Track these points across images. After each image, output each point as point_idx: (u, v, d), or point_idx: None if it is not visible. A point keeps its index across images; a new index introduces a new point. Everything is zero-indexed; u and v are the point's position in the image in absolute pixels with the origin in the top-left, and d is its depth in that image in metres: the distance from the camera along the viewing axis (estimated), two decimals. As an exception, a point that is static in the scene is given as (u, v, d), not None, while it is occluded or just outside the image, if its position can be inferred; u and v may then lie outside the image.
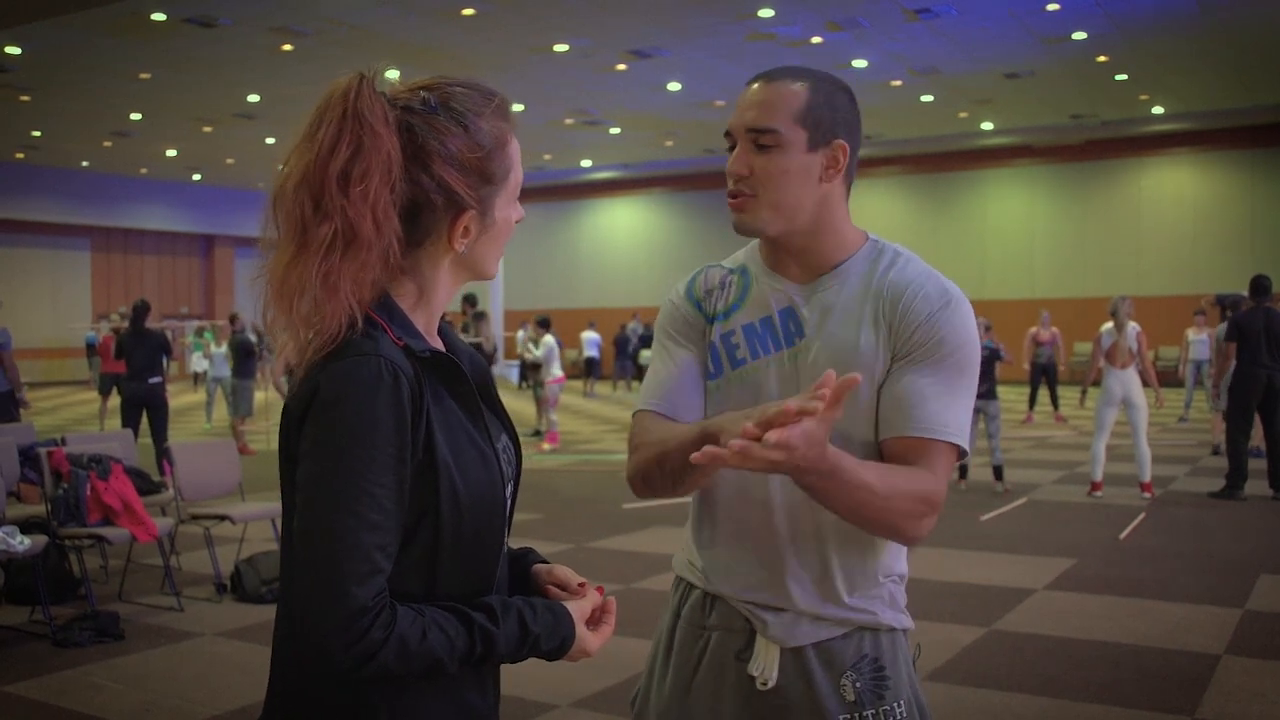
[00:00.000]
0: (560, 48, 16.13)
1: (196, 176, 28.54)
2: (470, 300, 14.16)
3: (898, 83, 18.73)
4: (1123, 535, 7.75)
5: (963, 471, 9.93)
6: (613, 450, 13.08)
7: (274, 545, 6.77)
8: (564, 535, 7.87)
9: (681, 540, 1.93)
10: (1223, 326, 10.84)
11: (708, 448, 1.36)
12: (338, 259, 1.28)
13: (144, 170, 27.49)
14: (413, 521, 1.30)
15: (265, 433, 14.66)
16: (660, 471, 1.69)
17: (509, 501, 1.44)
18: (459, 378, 1.37)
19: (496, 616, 1.32)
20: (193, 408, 19.75)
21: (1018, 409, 16.88)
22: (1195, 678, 4.66)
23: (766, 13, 14.46)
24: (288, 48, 15.65)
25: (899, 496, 1.57)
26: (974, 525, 8.19)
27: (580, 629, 1.41)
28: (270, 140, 21.86)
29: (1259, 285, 9.57)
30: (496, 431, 1.44)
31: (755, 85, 1.73)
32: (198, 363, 23.56)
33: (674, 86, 18.91)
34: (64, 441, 6.73)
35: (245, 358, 13.86)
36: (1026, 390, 16.57)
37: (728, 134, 1.74)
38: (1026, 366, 15.83)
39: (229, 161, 25.66)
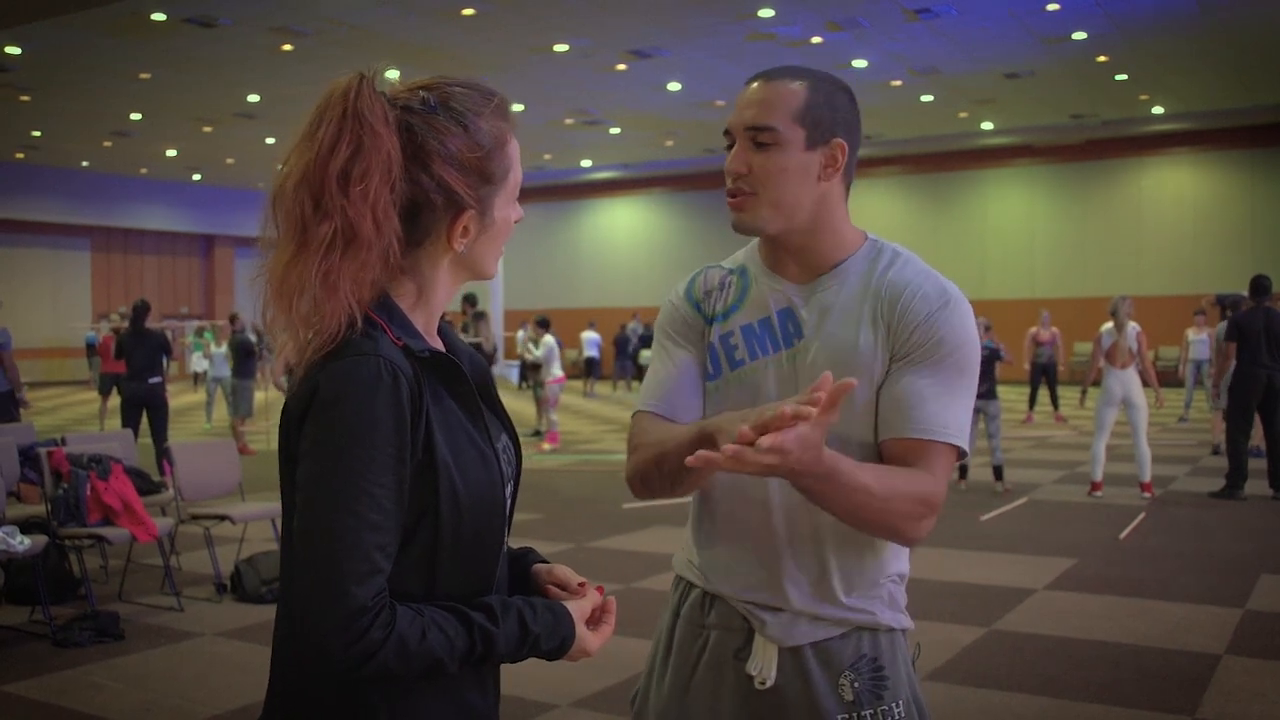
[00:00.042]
0: (560, 48, 16.13)
1: (196, 176, 28.55)
2: (470, 300, 14.16)
3: (898, 83, 18.73)
4: (1123, 535, 7.75)
5: (963, 471, 9.93)
6: (613, 450, 13.08)
7: (274, 545, 6.77)
8: (564, 535, 7.87)
9: (682, 540, 1.93)
10: (1223, 325, 10.84)
11: (701, 452, 1.36)
12: (337, 258, 1.28)
13: (144, 170, 27.50)
14: (412, 521, 1.30)
15: (265, 433, 14.66)
16: (659, 472, 1.69)
17: (509, 501, 1.44)
18: (459, 378, 1.37)
19: (496, 616, 1.32)
20: (193, 408, 19.75)
21: (1018, 409, 16.88)
22: (1195, 678, 4.66)
23: (766, 13, 14.47)
24: (288, 48, 15.65)
25: (897, 498, 1.57)
26: (974, 525, 8.19)
27: (580, 629, 1.41)
28: (270, 140, 21.86)
29: (1259, 285, 9.57)
30: (496, 431, 1.44)
31: (755, 84, 1.73)
32: (198, 363, 23.57)
33: (674, 86, 18.91)
34: (64, 441, 6.74)
35: (245, 358, 13.86)
36: (1026, 390, 16.57)
37: (727, 132, 1.74)
38: (1027, 366, 15.82)
39: (229, 161, 25.67)
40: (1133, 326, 9.18)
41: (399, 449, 1.27)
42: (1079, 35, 15.82)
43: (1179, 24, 15.32)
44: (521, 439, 1.54)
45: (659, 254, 29.32)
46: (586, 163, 28.28)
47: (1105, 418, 9.28)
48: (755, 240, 1.83)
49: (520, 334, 15.95)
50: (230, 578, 6.35)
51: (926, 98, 20.16)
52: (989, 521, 8.38)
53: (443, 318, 1.47)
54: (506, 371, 24.62)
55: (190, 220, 30.53)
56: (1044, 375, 15.81)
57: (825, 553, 1.72)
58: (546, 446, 13.30)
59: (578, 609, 1.42)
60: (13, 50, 15.38)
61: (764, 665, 1.73)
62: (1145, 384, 9.36)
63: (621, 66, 17.45)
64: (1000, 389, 9.97)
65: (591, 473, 11.43)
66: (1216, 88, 19.93)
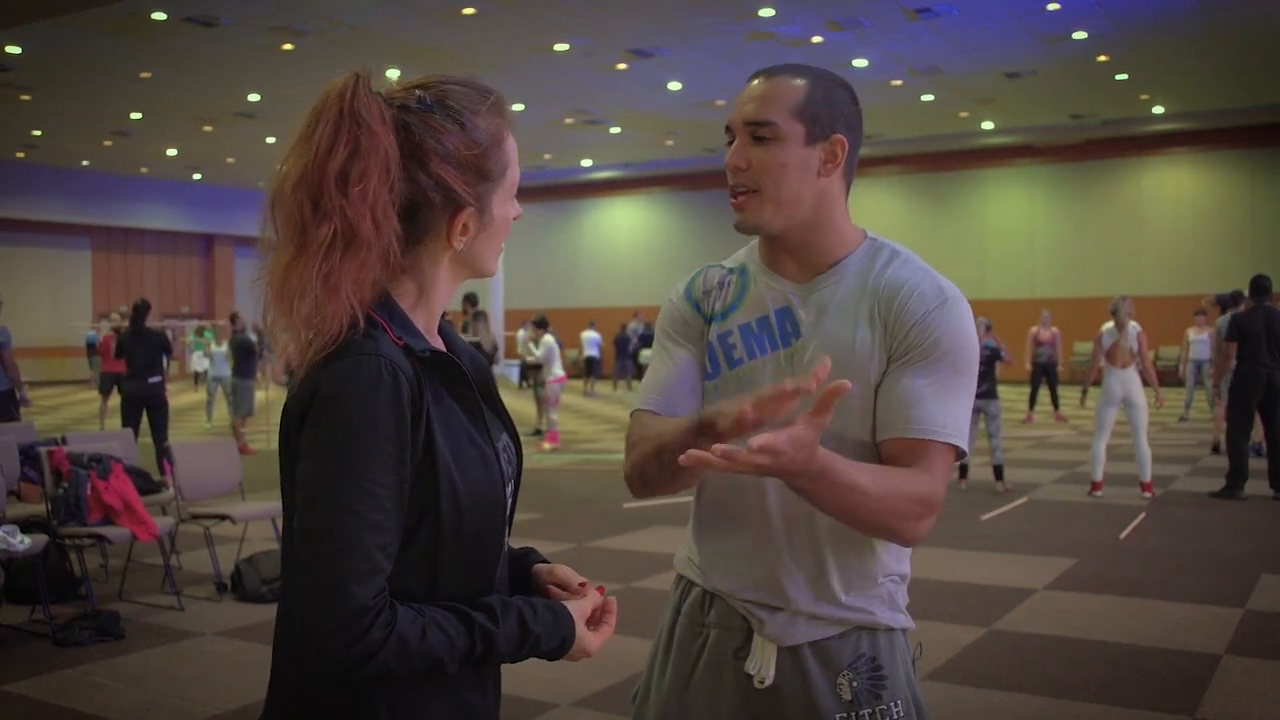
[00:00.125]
0: (560, 47, 16.13)
1: (197, 176, 28.56)
2: (471, 300, 14.16)
3: (898, 82, 18.73)
4: (1123, 535, 7.75)
5: (963, 471, 9.94)
6: (613, 450, 13.08)
7: (274, 545, 6.77)
8: (564, 535, 7.87)
9: (682, 539, 1.93)
10: (1223, 320, 10.85)
11: (692, 451, 1.36)
12: (338, 259, 1.28)
13: (144, 169, 27.50)
14: (413, 521, 1.30)
15: (265, 432, 14.66)
16: (658, 466, 1.68)
17: (510, 501, 1.44)
18: (459, 377, 1.37)
19: (497, 616, 1.32)
20: (193, 407, 19.75)
21: (1018, 409, 16.88)
22: (1196, 678, 4.66)
23: (767, 12, 14.47)
24: (288, 47, 15.65)
25: (894, 498, 1.57)
26: (974, 525, 8.19)
27: (581, 629, 1.41)
28: (271, 140, 21.86)
29: (1259, 285, 9.58)
30: (497, 431, 1.44)
31: (756, 81, 1.74)
32: (198, 362, 23.58)
33: (674, 86, 18.91)
34: (64, 441, 6.74)
35: (245, 357, 13.86)
36: (1027, 390, 16.58)
37: (728, 129, 1.75)
38: (1028, 366, 15.83)
39: (229, 161, 25.67)
40: (1133, 326, 9.18)
41: (400, 448, 1.27)
42: (1079, 35, 15.82)
43: (1179, 24, 15.31)
44: (522, 438, 1.54)
45: (659, 253, 29.32)
46: (587, 162, 28.28)
47: (1105, 417, 9.28)
48: (755, 240, 1.83)
49: (520, 334, 15.97)
50: (230, 577, 6.35)
51: (927, 97, 20.16)
52: (989, 521, 8.38)
53: (443, 317, 1.48)
54: (507, 371, 24.63)
55: (190, 220, 30.54)
56: (1044, 375, 15.81)
57: (823, 552, 1.72)
58: (547, 446, 13.30)
59: (578, 609, 1.42)
60: (13, 50, 15.38)
61: (763, 664, 1.73)
62: (1146, 384, 9.36)
63: (622, 66, 17.45)
64: (1000, 389, 9.97)
65: (592, 472, 11.43)
66: (1216, 88, 19.92)
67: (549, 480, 10.70)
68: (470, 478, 1.34)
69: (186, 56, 15.98)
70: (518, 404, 16.99)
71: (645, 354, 23.37)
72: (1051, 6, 14.41)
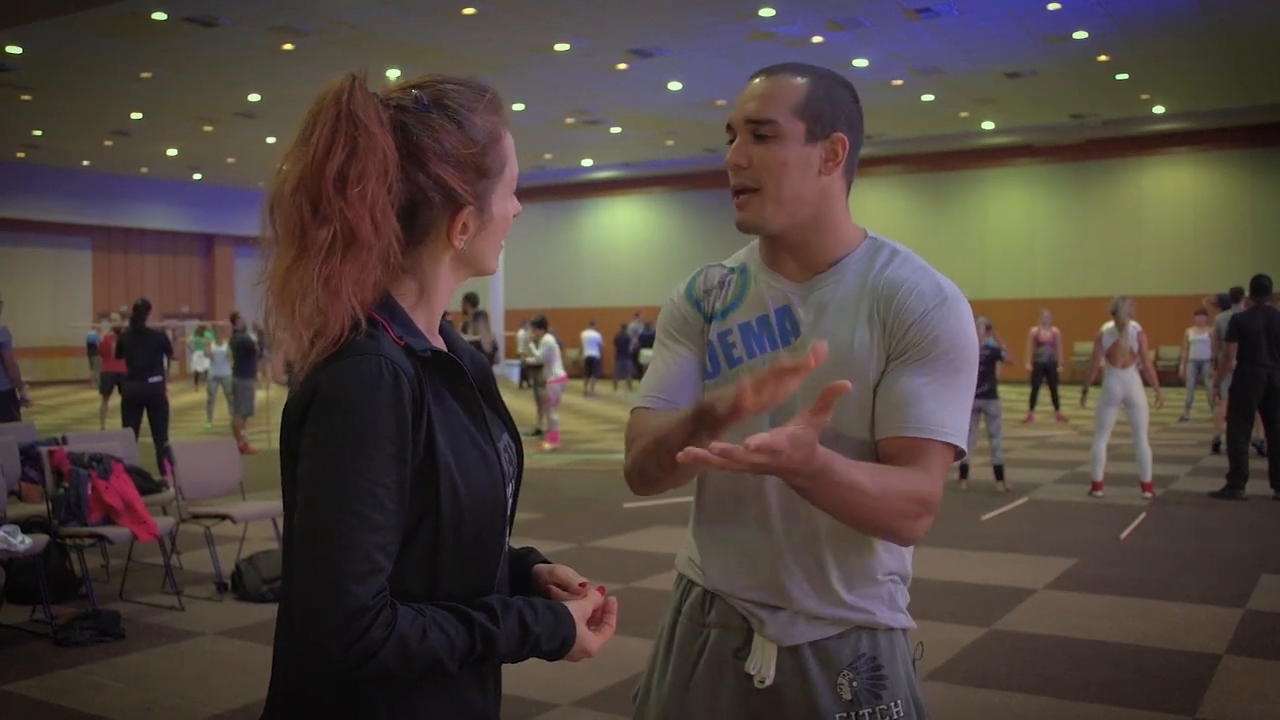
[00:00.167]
0: (561, 47, 16.13)
1: (197, 176, 28.55)
2: (471, 299, 14.17)
3: (899, 82, 18.73)
4: (1123, 535, 7.75)
5: (963, 471, 9.94)
6: (613, 450, 13.08)
7: (275, 544, 6.78)
8: (565, 535, 7.87)
9: (683, 539, 1.93)
10: (1223, 317, 10.86)
11: (690, 449, 1.36)
12: (338, 261, 1.28)
13: (145, 169, 27.50)
14: (414, 521, 1.30)
15: (266, 432, 14.66)
16: (657, 460, 1.68)
17: (510, 501, 1.44)
18: (460, 377, 1.37)
19: (497, 616, 1.32)
20: (193, 407, 19.75)
21: (1018, 408, 16.88)
22: (1196, 678, 4.66)
23: (767, 12, 14.46)
24: (288, 47, 15.65)
25: (892, 497, 1.57)
26: (974, 525, 8.19)
27: (581, 629, 1.41)
28: (271, 139, 21.86)
29: (1259, 285, 9.58)
30: (498, 431, 1.44)
31: (757, 79, 1.75)
32: (198, 362, 23.58)
33: (675, 86, 18.91)
34: (65, 440, 6.74)
35: (246, 356, 13.86)
36: (1027, 390, 16.58)
37: (729, 127, 1.75)
38: (1028, 366, 15.83)
39: (230, 161, 25.67)
40: (1134, 326, 9.18)
41: (400, 448, 1.27)
42: (1080, 35, 15.81)
43: (1180, 24, 15.31)
44: (522, 438, 1.55)
45: (659, 253, 29.32)
46: (587, 162, 28.28)
47: (1106, 417, 9.28)
48: (756, 239, 1.83)
49: (521, 334, 15.98)
50: (231, 577, 6.35)
51: (927, 97, 20.16)
52: (989, 521, 8.38)
53: (444, 316, 1.48)
54: (507, 371, 24.64)
55: (191, 219, 30.54)
56: (1045, 375, 15.81)
57: (823, 551, 1.72)
58: (547, 446, 13.30)
59: (579, 609, 1.42)
60: (13, 50, 15.38)
61: (763, 664, 1.73)
62: (1146, 384, 9.36)
63: (622, 66, 17.45)
64: (1001, 388, 9.98)
65: (592, 472, 11.43)
66: (1216, 88, 19.92)
67: (549, 480, 10.70)
68: (471, 478, 1.34)
69: (187, 56, 15.98)
70: (518, 404, 16.99)
71: (645, 354, 23.37)
72: (1052, 6, 14.41)
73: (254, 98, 18.89)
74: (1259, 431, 10.04)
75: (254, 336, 14.30)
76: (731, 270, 1.86)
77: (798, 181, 1.70)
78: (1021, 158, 24.89)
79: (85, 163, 26.36)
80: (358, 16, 14.30)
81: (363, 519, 1.24)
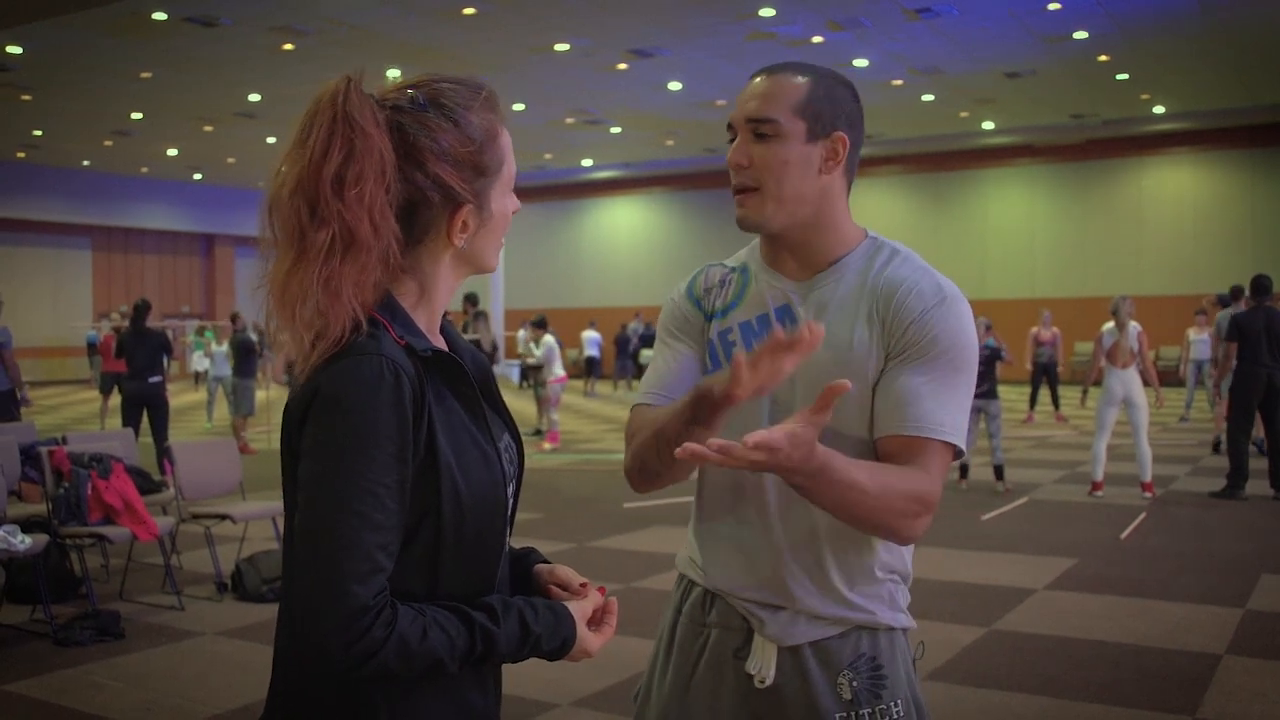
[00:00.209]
0: (561, 47, 16.13)
1: (197, 176, 28.56)
2: (472, 299, 14.17)
3: (899, 82, 18.74)
4: (1123, 535, 7.75)
5: (963, 471, 9.94)
6: (613, 450, 13.08)
7: (275, 544, 6.78)
8: (565, 535, 7.87)
9: (683, 539, 1.93)
10: (1223, 316, 10.85)
11: (688, 445, 1.36)
12: (337, 263, 1.28)
13: (145, 169, 27.51)
14: (414, 521, 1.30)
15: (266, 432, 14.66)
16: (656, 453, 1.68)
17: (511, 501, 1.44)
18: (461, 377, 1.37)
19: (498, 616, 1.32)
20: (194, 407, 19.75)
21: (1019, 408, 16.88)
22: (1196, 678, 4.66)
23: (767, 12, 14.46)
24: (288, 47, 15.65)
25: (891, 495, 1.57)
26: (974, 525, 8.19)
27: (581, 629, 1.41)
28: (271, 140, 21.86)
29: (1259, 285, 9.58)
30: (499, 431, 1.44)
31: (758, 79, 1.75)
32: (199, 362, 23.59)
33: (675, 86, 18.91)
34: (65, 440, 6.74)
35: (246, 356, 13.86)
36: (1027, 390, 16.58)
37: (730, 126, 1.75)
38: (1028, 366, 15.83)
39: (230, 161, 25.68)
40: (1134, 326, 9.18)
41: (401, 448, 1.27)
42: (1080, 35, 15.82)
43: (1180, 24, 15.31)
44: (522, 438, 1.55)
45: (660, 253, 29.32)
46: (587, 162, 28.29)
47: (1106, 417, 9.28)
48: (757, 238, 1.84)
49: (521, 334, 15.98)
50: (231, 577, 6.35)
51: (927, 97, 20.16)
52: (989, 521, 8.38)
53: (444, 316, 1.48)
54: (507, 371, 24.65)
55: (191, 219, 30.55)
56: (1045, 375, 15.82)
57: (822, 549, 1.72)
58: (547, 446, 13.30)
59: (579, 609, 1.42)
60: (13, 50, 15.39)
61: (763, 664, 1.74)
62: (1146, 384, 9.36)
63: (622, 66, 17.45)
64: (1001, 388, 9.98)
65: (592, 472, 11.43)
66: (1217, 88, 19.92)
67: (549, 480, 10.70)
68: (472, 478, 1.34)
69: (187, 56, 15.98)
70: (518, 404, 16.99)
71: (646, 354, 23.38)
72: (1052, 6, 14.41)
73: (254, 98, 18.89)
74: (1259, 431, 10.04)
75: (254, 336, 14.30)
76: (732, 269, 1.86)
77: (798, 180, 1.70)
78: (1021, 158, 24.90)
79: (85, 163, 26.37)
80: (358, 16, 14.30)
81: (364, 519, 1.24)
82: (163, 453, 8.38)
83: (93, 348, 24.56)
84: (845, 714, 1.71)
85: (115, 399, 13.28)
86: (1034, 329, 15.89)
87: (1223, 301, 12.58)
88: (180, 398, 20.46)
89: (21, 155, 25.22)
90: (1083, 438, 13.30)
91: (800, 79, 1.71)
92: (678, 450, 1.36)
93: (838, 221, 1.76)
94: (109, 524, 5.85)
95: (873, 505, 1.56)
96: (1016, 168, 25.16)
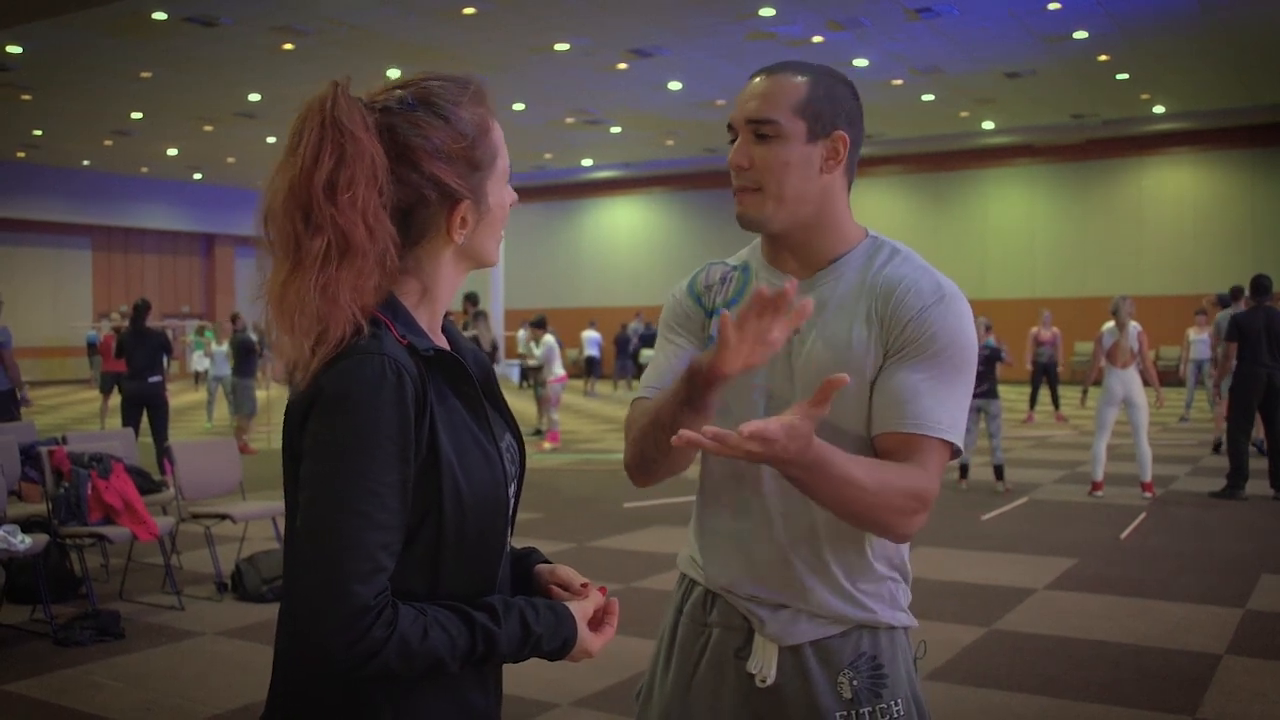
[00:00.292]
0: (561, 47, 16.13)
1: (197, 176, 28.57)
2: (472, 299, 14.17)
3: (899, 82, 18.74)
4: (1123, 535, 7.75)
5: (963, 471, 9.94)
6: (613, 449, 13.08)
7: (275, 544, 6.78)
8: (565, 534, 7.87)
9: (683, 539, 1.93)
10: (1222, 316, 10.85)
11: (684, 432, 1.36)
12: (334, 269, 1.28)
13: (145, 169, 27.51)
14: (416, 520, 1.30)
15: (266, 432, 14.66)
16: (654, 441, 1.67)
17: (512, 501, 1.44)
18: (463, 376, 1.38)
19: (499, 616, 1.32)
20: (194, 407, 19.76)
21: (1019, 408, 16.88)
22: (1196, 678, 4.66)
23: (767, 12, 14.47)
24: (288, 47, 15.65)
25: (889, 492, 1.57)
26: (974, 525, 8.19)
27: (582, 629, 1.41)
28: (271, 139, 21.86)
29: (1259, 285, 9.58)
30: (500, 430, 1.44)
31: (757, 79, 1.75)
32: (199, 361, 23.61)
33: (675, 86, 18.91)
34: (65, 440, 6.74)
35: (246, 356, 13.86)
36: (1027, 390, 16.59)
37: (730, 127, 1.75)
38: (1028, 366, 15.84)
39: (230, 160, 25.68)
40: (1134, 326, 9.18)
41: (403, 447, 1.27)
42: (1080, 34, 15.82)
43: (1180, 24, 15.32)
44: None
45: (659, 253, 29.32)
46: (587, 162, 28.29)
47: (1106, 417, 9.28)
48: (759, 237, 1.84)
49: (521, 334, 15.98)
50: (231, 577, 6.35)
51: (927, 97, 20.17)
52: (989, 521, 8.38)
53: (445, 315, 1.48)
54: (507, 370, 24.65)
55: (191, 219, 30.55)
56: (1045, 375, 15.82)
57: (821, 547, 1.72)
58: (547, 446, 13.31)
59: (580, 610, 1.42)
60: (13, 50, 15.39)
61: (764, 664, 1.74)
62: (1146, 383, 9.36)
63: (622, 66, 17.45)
64: (1001, 388, 9.98)
65: (592, 472, 11.44)
66: (1217, 87, 19.93)
67: (549, 480, 10.70)
68: (473, 477, 1.34)
69: (187, 56, 15.98)
70: (518, 404, 16.98)
71: (646, 354, 23.38)
72: (1052, 6, 14.41)
73: (254, 98, 18.89)
74: (1259, 431, 10.04)
75: (254, 337, 14.31)
76: (734, 267, 1.87)
77: (800, 181, 1.70)
78: (1021, 158, 24.90)
79: (85, 163, 26.37)
80: (358, 16, 14.30)
81: (366, 518, 1.24)
82: (163, 453, 8.38)
83: (93, 348, 24.57)
84: (846, 713, 1.71)
85: (115, 399, 13.28)
86: (1034, 329, 15.90)
87: (1223, 302, 12.58)
88: (180, 398, 20.46)
89: (21, 155, 25.22)
90: (1083, 438, 13.30)
91: (800, 78, 1.71)
92: (674, 438, 1.36)
93: (838, 220, 1.76)
94: (109, 524, 5.85)
95: (870, 501, 1.56)
96: (1016, 168, 25.16)
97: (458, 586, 1.34)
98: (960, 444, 1.67)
